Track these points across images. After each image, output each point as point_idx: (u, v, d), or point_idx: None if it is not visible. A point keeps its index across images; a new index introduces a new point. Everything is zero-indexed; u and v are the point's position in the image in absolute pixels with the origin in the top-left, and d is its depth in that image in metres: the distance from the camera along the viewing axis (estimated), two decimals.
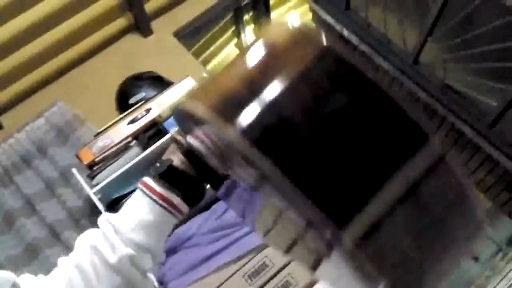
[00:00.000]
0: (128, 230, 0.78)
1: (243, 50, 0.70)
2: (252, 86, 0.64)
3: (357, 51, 2.66)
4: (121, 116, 2.19)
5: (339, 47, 0.60)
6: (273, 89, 0.61)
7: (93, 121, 2.40)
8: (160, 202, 0.79)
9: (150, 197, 0.79)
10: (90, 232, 0.79)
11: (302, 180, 0.58)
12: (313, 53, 0.62)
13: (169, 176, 0.80)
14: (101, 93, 2.52)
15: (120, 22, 2.73)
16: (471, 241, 0.71)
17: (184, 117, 0.75)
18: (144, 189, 0.80)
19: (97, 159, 1.97)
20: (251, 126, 0.60)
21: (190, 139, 0.79)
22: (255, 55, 0.70)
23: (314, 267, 0.83)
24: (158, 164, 0.82)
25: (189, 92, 0.72)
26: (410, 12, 2.18)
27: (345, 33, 2.52)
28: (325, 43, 0.61)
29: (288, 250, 0.90)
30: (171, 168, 0.80)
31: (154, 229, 0.80)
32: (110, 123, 2.19)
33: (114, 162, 2.00)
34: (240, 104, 0.62)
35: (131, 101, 2.32)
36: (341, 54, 0.61)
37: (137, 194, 0.81)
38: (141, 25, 2.78)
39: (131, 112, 2.12)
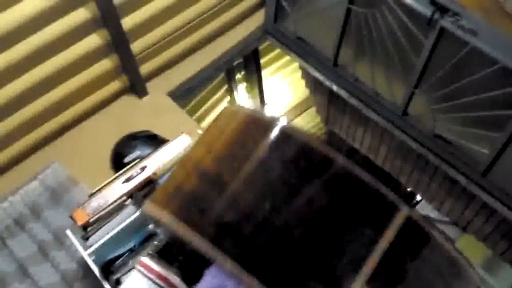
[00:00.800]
0: None
1: (197, 141, 0.70)
2: (211, 183, 0.64)
3: (347, 105, 2.72)
4: (116, 175, 2.20)
5: (298, 133, 0.59)
6: (230, 185, 0.60)
7: (88, 181, 2.40)
8: (158, 281, 0.79)
9: (149, 277, 0.79)
10: None
11: (263, 276, 0.58)
12: (268, 142, 0.62)
13: (167, 254, 0.81)
14: (96, 154, 2.54)
15: (116, 84, 2.79)
16: None
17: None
18: (142, 269, 0.80)
19: (91, 220, 1.96)
20: (215, 230, 0.60)
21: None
22: (210, 145, 0.71)
23: None
24: (155, 242, 0.83)
25: (152, 194, 0.74)
26: (396, 66, 2.25)
27: (335, 88, 2.58)
28: (279, 129, 0.61)
29: None
30: (169, 245, 0.80)
31: None
32: (105, 182, 2.19)
33: (108, 222, 1.99)
34: (200, 205, 0.62)
35: (126, 160, 2.33)
36: (300, 141, 0.60)
37: (136, 275, 0.81)
38: (136, 87, 2.84)
39: (126, 170, 2.13)
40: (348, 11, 2.26)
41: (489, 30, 1.92)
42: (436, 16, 1.93)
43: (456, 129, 2.19)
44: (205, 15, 2.89)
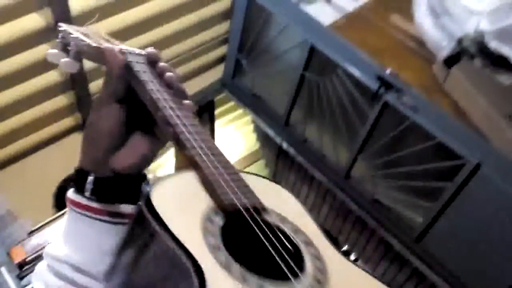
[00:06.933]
0: (49, 247, 0.84)
1: None
2: None
3: (294, 162, 2.83)
4: (58, 214, 2.17)
5: None
6: None
7: (28, 218, 2.35)
8: (74, 208, 0.82)
9: (89, 216, 0.81)
10: None
11: None
12: None
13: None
14: (39, 190, 2.49)
15: (68, 121, 2.78)
16: None
17: None
18: (79, 210, 0.82)
19: (29, 258, 1.91)
20: None
21: None
22: None
23: None
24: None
25: None
26: (342, 132, 2.38)
27: (284, 145, 2.69)
28: None
29: None
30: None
31: (68, 237, 0.81)
32: (46, 220, 2.15)
33: None
34: None
35: None
36: None
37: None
38: None
39: None
40: (302, 76, 2.41)
41: (428, 107, 2.08)
42: (381, 91, 2.09)
43: (394, 196, 2.32)
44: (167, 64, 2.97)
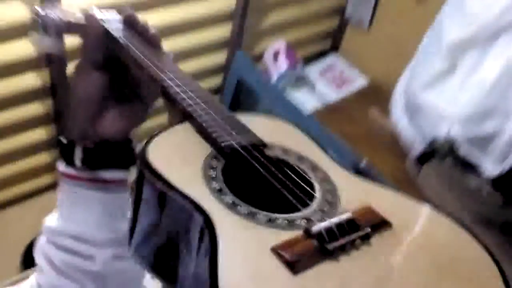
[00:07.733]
0: (46, 221, 0.87)
1: None
2: None
3: None
4: (24, 273, 2.12)
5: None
6: None
7: None
8: (64, 180, 0.83)
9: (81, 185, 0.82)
10: None
11: None
12: None
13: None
14: (7, 248, 2.44)
15: (47, 178, 2.77)
16: None
17: None
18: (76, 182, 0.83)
19: None
20: None
21: None
22: None
23: None
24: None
25: None
26: None
27: None
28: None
29: None
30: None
31: (62, 209, 0.84)
32: (12, 280, 2.10)
33: None
34: None
35: None
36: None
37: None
38: None
39: None
40: None
41: None
42: None
43: None
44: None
